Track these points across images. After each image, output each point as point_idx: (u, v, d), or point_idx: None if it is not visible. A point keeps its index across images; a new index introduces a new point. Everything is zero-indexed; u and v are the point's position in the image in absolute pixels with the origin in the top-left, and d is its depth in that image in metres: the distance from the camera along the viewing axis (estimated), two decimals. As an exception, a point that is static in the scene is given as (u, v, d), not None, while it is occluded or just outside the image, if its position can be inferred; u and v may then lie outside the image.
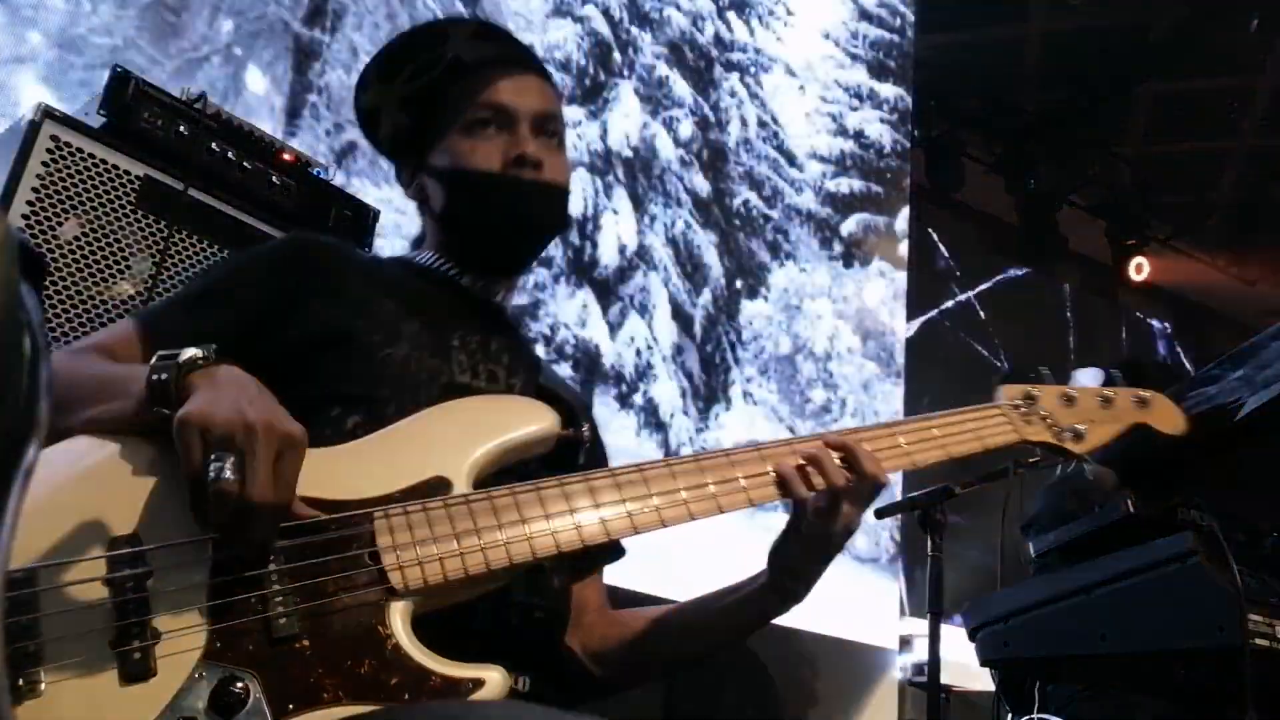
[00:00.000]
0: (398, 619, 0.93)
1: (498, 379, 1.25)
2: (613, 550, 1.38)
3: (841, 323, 5.06)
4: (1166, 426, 1.38)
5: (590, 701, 1.33)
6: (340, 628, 0.90)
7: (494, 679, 0.93)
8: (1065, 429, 1.32)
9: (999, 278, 7.79)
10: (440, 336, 1.23)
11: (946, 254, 7.42)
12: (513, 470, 1.08)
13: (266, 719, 0.83)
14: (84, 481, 0.92)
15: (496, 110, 1.29)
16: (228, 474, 0.85)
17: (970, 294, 7.49)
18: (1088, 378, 1.40)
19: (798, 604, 1.20)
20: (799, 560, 1.18)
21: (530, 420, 1.10)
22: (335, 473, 0.99)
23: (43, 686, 0.80)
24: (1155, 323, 8.92)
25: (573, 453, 1.20)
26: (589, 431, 1.24)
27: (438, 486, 1.01)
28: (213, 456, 0.86)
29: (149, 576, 0.86)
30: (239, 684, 0.83)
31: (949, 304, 7.30)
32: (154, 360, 0.95)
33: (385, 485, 0.99)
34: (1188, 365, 8.62)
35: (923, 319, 6.81)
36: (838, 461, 1.13)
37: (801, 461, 1.13)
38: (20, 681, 0.79)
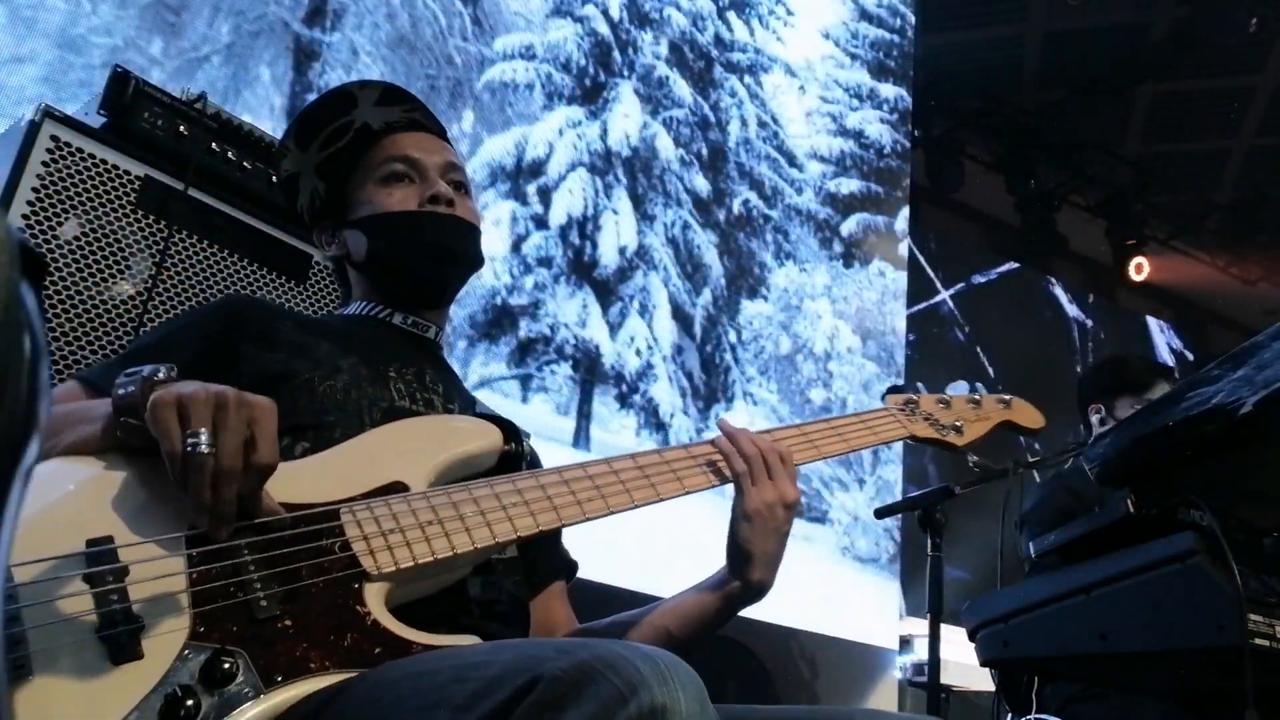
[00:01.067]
0: (374, 598, 0.96)
1: (435, 406, 1.32)
2: (567, 567, 1.46)
3: (841, 323, 5.06)
4: (1028, 422, 1.59)
5: None
6: (319, 608, 0.93)
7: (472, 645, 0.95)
8: (946, 426, 1.51)
9: (999, 278, 7.78)
10: (377, 369, 1.29)
11: (946, 253, 7.42)
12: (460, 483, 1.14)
13: (259, 689, 0.85)
14: (56, 494, 0.94)
15: (407, 163, 1.41)
16: (203, 445, 0.89)
17: (971, 294, 7.49)
18: (956, 390, 1.59)
19: (763, 589, 1.25)
20: (751, 539, 1.23)
21: (477, 436, 1.18)
22: (297, 481, 1.03)
23: (31, 669, 0.80)
24: (1155, 322, 8.92)
25: (514, 467, 1.25)
26: (529, 448, 1.30)
27: (397, 488, 1.06)
28: (188, 431, 0.90)
29: (126, 573, 0.88)
30: (228, 659, 0.85)
31: (949, 304, 7.30)
32: (119, 379, 0.99)
33: (348, 490, 1.04)
34: (1183, 365, 8.62)
35: (922, 319, 6.80)
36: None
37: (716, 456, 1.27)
38: (8, 666, 0.79)
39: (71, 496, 0.95)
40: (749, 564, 1.23)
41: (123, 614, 0.85)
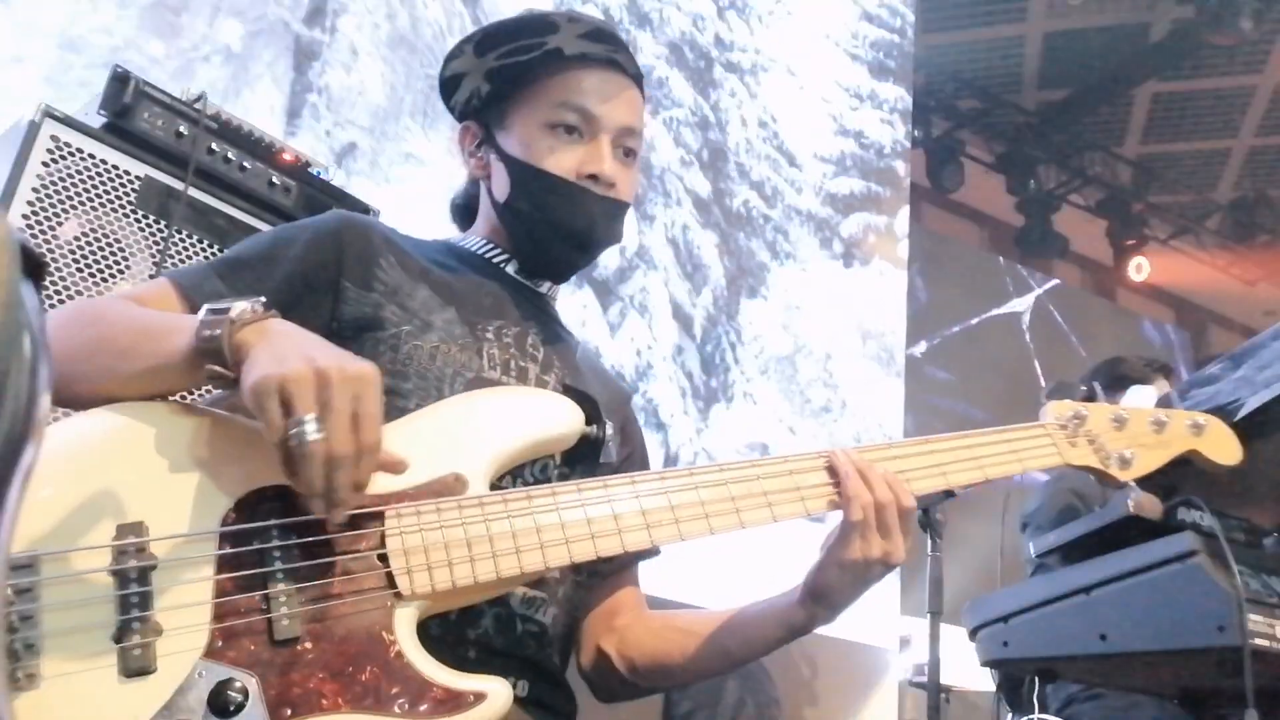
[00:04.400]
0: (403, 625, 0.91)
1: (527, 376, 1.23)
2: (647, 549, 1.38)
3: (841, 322, 5.06)
4: (1221, 455, 1.31)
5: (617, 702, 1.32)
6: (343, 632, 0.89)
7: (496, 692, 0.91)
8: (1112, 454, 1.24)
9: (998, 276, 7.78)
10: (474, 328, 1.20)
11: (945, 253, 7.42)
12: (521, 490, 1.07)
13: None
14: (97, 459, 0.90)
15: (582, 114, 1.25)
16: (310, 435, 0.83)
17: (968, 293, 7.49)
18: (1142, 397, 1.31)
19: (826, 624, 1.17)
20: (835, 588, 1.12)
21: (554, 418, 1.08)
22: None
23: (41, 679, 0.79)
24: (1155, 323, 8.92)
25: (593, 450, 1.18)
26: (610, 432, 1.21)
27: (453, 485, 0.99)
28: (292, 421, 0.84)
29: (153, 569, 0.85)
30: (238, 685, 0.83)
31: (948, 305, 7.30)
32: (203, 314, 0.93)
33: (400, 480, 0.97)
34: (1185, 365, 8.61)
35: (922, 318, 6.80)
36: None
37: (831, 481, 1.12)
38: (19, 673, 0.78)
39: (113, 462, 0.90)
40: (821, 604, 1.14)
41: (140, 621, 0.83)
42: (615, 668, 1.26)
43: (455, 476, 0.99)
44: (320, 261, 1.16)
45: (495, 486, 1.04)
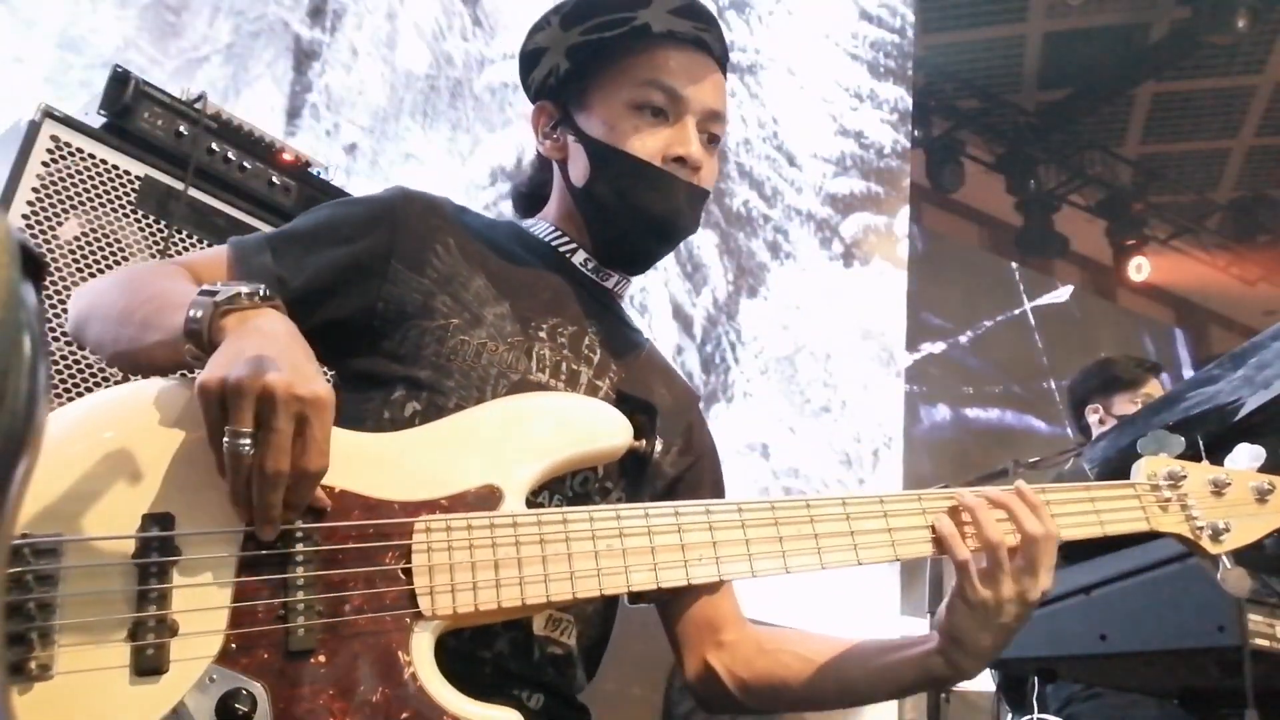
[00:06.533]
0: (420, 645, 0.88)
1: (578, 380, 1.17)
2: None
3: (841, 322, 5.06)
4: None
5: (724, 714, 1.27)
6: (359, 648, 0.86)
7: None
8: (1206, 523, 1.14)
9: (998, 276, 7.78)
10: (528, 326, 1.15)
11: (945, 253, 7.42)
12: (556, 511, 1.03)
13: None
14: (132, 437, 0.87)
15: (669, 95, 1.19)
16: (244, 445, 0.80)
17: (968, 293, 7.49)
18: (1247, 457, 1.19)
19: (969, 678, 1.09)
20: (965, 629, 1.04)
21: (600, 430, 1.02)
22: (382, 465, 0.94)
23: (54, 670, 0.78)
24: (1155, 322, 8.92)
25: (640, 466, 1.12)
26: (660, 446, 1.15)
27: (487, 498, 0.94)
28: (228, 429, 0.81)
29: (175, 565, 0.83)
30: (246, 696, 0.81)
31: (948, 304, 7.30)
32: (196, 294, 0.90)
33: (432, 489, 0.93)
34: (1185, 365, 8.61)
35: (922, 318, 6.80)
36: (996, 519, 1.04)
37: (964, 518, 1.05)
38: (32, 663, 0.77)
39: (146, 445, 0.87)
40: (958, 650, 1.06)
41: (157, 619, 0.82)
42: (725, 686, 1.22)
43: (490, 488, 0.95)
44: (373, 240, 1.12)
45: (533, 495, 1.00)
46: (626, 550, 0.95)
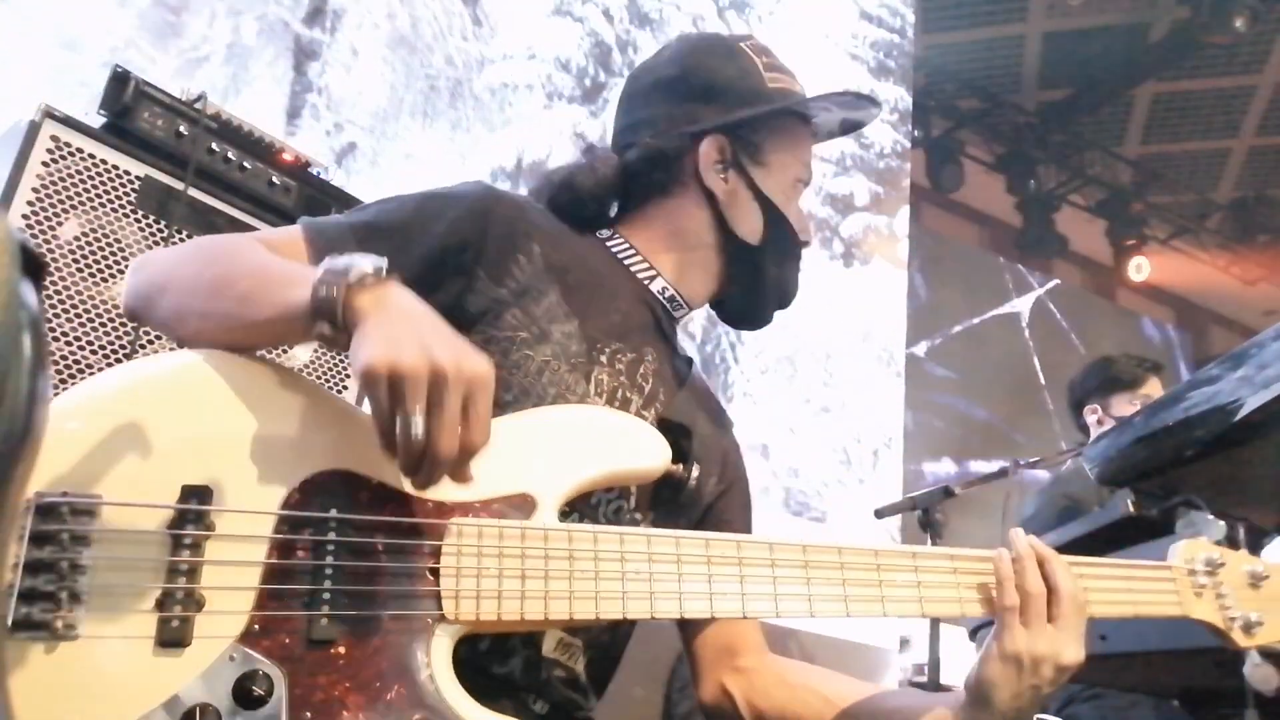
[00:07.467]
0: (440, 647, 0.88)
1: (628, 409, 1.17)
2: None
3: (841, 322, 5.06)
4: None
5: None
6: (379, 643, 0.86)
7: None
8: (1238, 615, 1.14)
9: (998, 276, 7.78)
10: (592, 349, 1.15)
11: (945, 253, 7.42)
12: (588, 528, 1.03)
13: None
14: (180, 405, 0.88)
15: (806, 180, 1.30)
16: (417, 429, 0.80)
17: (968, 293, 7.49)
18: None
19: None
20: (998, 685, 1.03)
21: (641, 450, 1.02)
22: None
23: (79, 631, 0.78)
24: (1155, 322, 8.92)
25: (675, 491, 1.13)
26: (696, 473, 1.16)
27: (521, 505, 0.94)
28: (401, 413, 0.81)
29: (208, 540, 0.83)
30: (264, 678, 0.81)
31: (948, 305, 7.30)
32: (321, 271, 0.88)
33: (467, 490, 0.92)
34: (1185, 365, 8.62)
35: (922, 318, 6.80)
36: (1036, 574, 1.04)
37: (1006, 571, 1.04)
38: (59, 623, 0.77)
39: (194, 415, 0.88)
40: (985, 710, 1.04)
41: (185, 593, 0.81)
42: (739, 712, 1.21)
43: (524, 496, 0.95)
44: (461, 242, 1.11)
45: (564, 516, 1.00)
46: (653, 575, 0.95)
